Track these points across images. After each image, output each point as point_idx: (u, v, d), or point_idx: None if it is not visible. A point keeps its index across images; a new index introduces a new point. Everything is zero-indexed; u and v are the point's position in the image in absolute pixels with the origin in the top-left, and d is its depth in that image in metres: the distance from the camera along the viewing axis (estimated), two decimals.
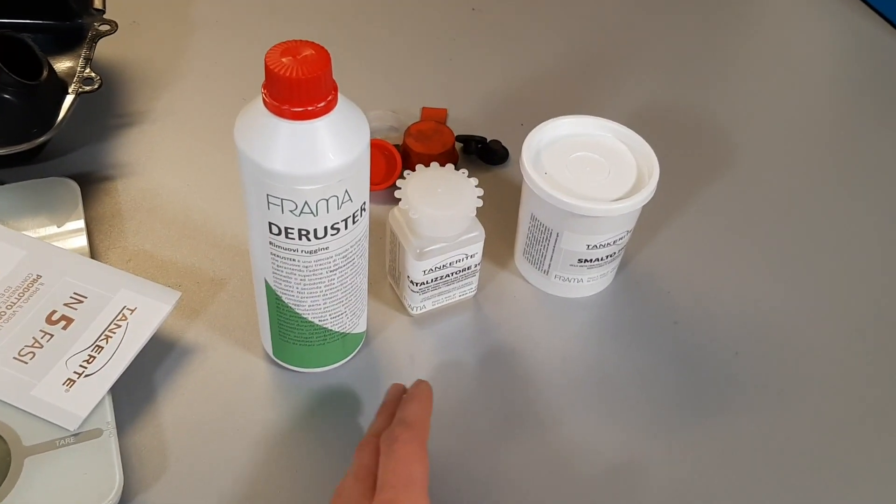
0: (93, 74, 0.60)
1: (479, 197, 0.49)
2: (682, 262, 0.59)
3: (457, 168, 0.59)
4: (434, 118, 0.67)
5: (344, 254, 0.44)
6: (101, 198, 0.59)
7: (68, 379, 0.46)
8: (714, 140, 0.69)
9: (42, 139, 0.57)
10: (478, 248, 0.51)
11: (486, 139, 0.64)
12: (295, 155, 0.39)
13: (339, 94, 0.40)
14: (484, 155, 0.64)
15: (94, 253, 0.56)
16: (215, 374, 0.50)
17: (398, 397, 0.45)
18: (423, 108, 0.68)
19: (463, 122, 0.67)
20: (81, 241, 0.55)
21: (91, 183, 0.60)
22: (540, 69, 0.74)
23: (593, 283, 0.55)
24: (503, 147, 0.64)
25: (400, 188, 0.50)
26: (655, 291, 0.57)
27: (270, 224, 0.42)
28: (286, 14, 0.77)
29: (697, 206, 0.63)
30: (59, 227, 0.56)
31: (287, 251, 0.43)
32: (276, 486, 0.45)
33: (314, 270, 0.44)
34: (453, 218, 0.48)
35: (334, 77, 0.39)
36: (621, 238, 0.53)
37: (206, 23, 0.75)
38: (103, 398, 0.46)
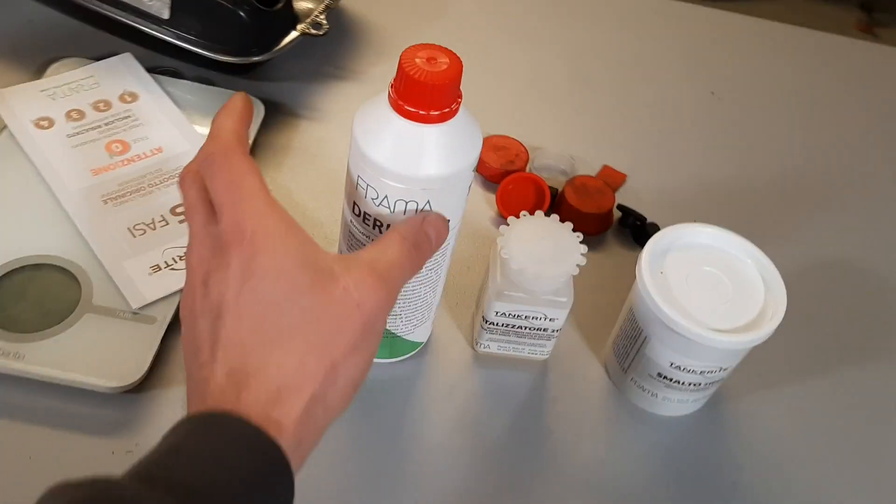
0: (323, 21, 0.64)
1: (580, 262, 0.47)
2: (790, 430, 0.52)
3: (603, 237, 0.56)
4: (608, 179, 0.64)
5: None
6: (280, 128, 0.64)
7: (157, 265, 0.51)
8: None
9: (255, 59, 0.63)
10: (561, 314, 0.49)
11: (645, 219, 0.61)
12: (388, 148, 0.39)
13: (461, 116, 0.40)
14: (637, 233, 0.61)
15: None
16: None
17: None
18: (605, 165, 0.66)
19: (637, 195, 0.64)
20: None
21: (280, 113, 0.65)
22: (755, 175, 0.68)
23: (670, 405, 0.51)
24: (657, 230, 0.60)
25: (507, 225, 0.49)
26: (738, 445, 0.51)
27: (354, 203, 0.43)
28: (528, 41, 0.77)
29: (842, 376, 0.56)
30: None
31: (360, 234, 0.43)
32: None
33: None
34: (542, 274, 0.47)
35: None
36: (713, 372, 0.48)
37: (461, 7, 0.77)
38: (174, 294, 0.50)
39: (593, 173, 0.65)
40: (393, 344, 0.50)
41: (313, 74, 0.69)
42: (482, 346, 0.52)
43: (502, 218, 0.60)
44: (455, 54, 0.39)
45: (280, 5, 0.62)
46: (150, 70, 0.63)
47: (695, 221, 0.61)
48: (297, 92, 0.67)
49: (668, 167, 0.68)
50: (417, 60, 0.38)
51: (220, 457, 0.31)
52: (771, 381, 0.55)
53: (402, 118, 0.39)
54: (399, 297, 0.45)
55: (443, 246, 0.44)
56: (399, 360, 0.52)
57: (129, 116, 0.59)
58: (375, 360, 0.50)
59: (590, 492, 0.48)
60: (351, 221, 0.44)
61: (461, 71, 0.38)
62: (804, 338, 0.57)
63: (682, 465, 0.50)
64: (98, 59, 0.63)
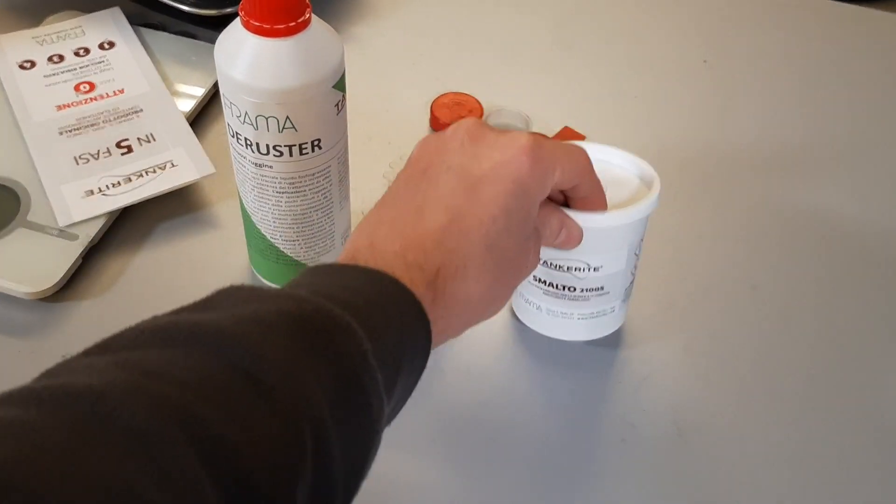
0: None
1: None
2: (693, 380, 0.50)
3: None
4: (563, 139, 0.63)
5: (291, 181, 0.45)
6: None
7: (91, 190, 0.54)
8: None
9: (228, 10, 0.66)
10: None
11: None
12: (239, 62, 0.41)
13: (314, 31, 0.41)
14: None
15: (202, 113, 0.63)
16: (206, 254, 0.55)
17: None
18: (566, 126, 0.64)
19: None
20: (196, 97, 0.62)
21: None
22: (728, 143, 0.65)
23: (554, 322, 0.49)
24: None
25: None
26: (636, 392, 0.49)
27: (228, 124, 0.44)
28: (518, 4, 0.77)
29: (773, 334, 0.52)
30: (191, 82, 0.63)
31: (240, 156, 0.45)
32: None
33: (261, 185, 0.46)
34: None
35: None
36: (581, 268, 0.46)
37: None
38: (100, 217, 0.53)
39: (551, 133, 0.64)
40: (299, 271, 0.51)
41: None
42: None
43: None
44: None
45: None
46: (140, 24, 0.68)
47: None
48: None
49: (633, 131, 0.65)
50: None
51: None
52: (678, 336, 0.52)
53: (251, 34, 0.40)
54: (289, 217, 0.47)
55: (322, 167, 0.45)
56: None
57: (102, 62, 0.63)
58: None
59: (480, 426, 0.47)
60: (232, 145, 0.46)
61: None
62: (732, 299, 0.54)
63: (575, 407, 0.48)
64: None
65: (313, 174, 0.45)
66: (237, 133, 0.44)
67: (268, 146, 0.43)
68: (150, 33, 0.67)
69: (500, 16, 0.75)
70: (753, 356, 0.52)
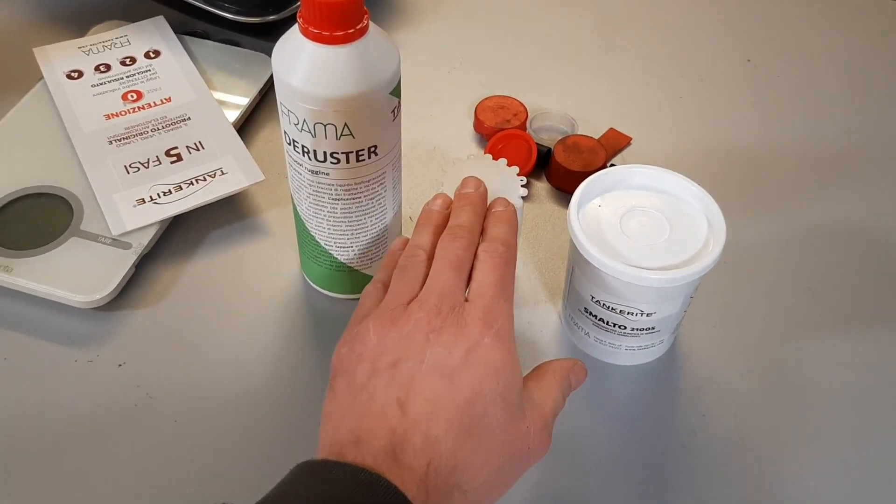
0: None
1: (517, 202, 0.46)
2: (750, 394, 0.49)
3: None
4: (610, 141, 0.62)
5: (347, 187, 0.45)
6: None
7: (142, 199, 0.54)
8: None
9: (271, 18, 0.66)
10: None
11: None
12: (297, 70, 0.41)
13: (371, 39, 0.41)
14: None
15: (248, 121, 0.63)
16: (257, 261, 0.55)
17: (446, 212, 0.45)
18: (611, 128, 0.64)
19: (640, 157, 0.62)
20: (242, 105, 0.62)
21: None
22: (773, 147, 0.64)
23: (604, 349, 0.49)
24: None
25: (453, 162, 0.49)
26: (693, 405, 0.48)
27: (284, 132, 0.44)
28: (563, 5, 0.76)
29: (819, 345, 0.51)
30: (237, 90, 0.64)
31: (296, 163, 0.45)
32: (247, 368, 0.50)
33: (317, 192, 0.46)
34: None
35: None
36: (633, 315, 0.46)
37: None
38: (152, 225, 0.53)
39: (597, 135, 0.63)
40: (353, 277, 0.51)
41: None
42: None
43: None
44: None
45: None
46: (184, 33, 0.68)
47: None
48: None
49: (679, 133, 0.65)
50: None
51: None
52: (735, 344, 0.51)
53: (309, 41, 0.40)
54: (343, 224, 0.47)
55: (378, 174, 0.45)
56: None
57: (149, 70, 0.64)
58: (338, 294, 0.52)
59: None
60: (287, 152, 0.45)
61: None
62: (788, 304, 0.54)
63: (630, 418, 0.48)
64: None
65: (369, 180, 0.45)
66: (294, 141, 0.44)
67: (325, 153, 0.43)
68: (194, 41, 0.67)
69: (542, 18, 0.75)
70: (812, 359, 0.51)
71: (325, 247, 0.49)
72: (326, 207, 0.46)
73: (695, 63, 0.71)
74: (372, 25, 0.42)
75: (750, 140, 0.64)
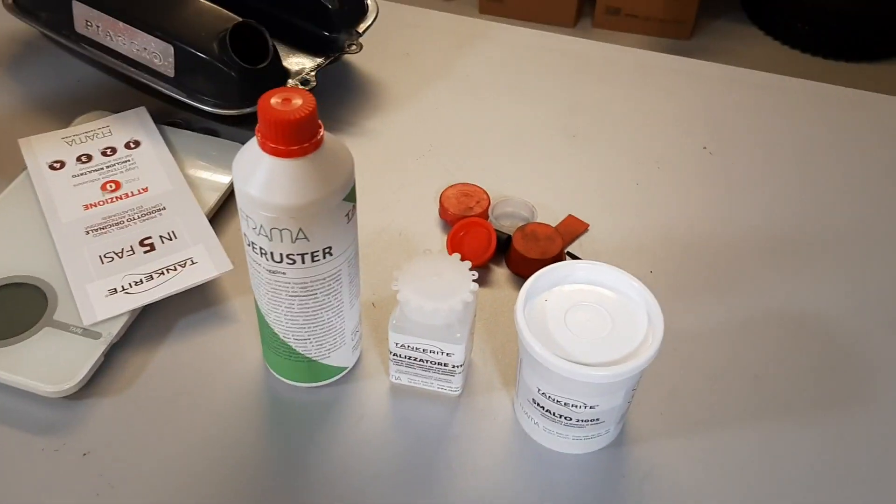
0: (312, 78, 0.71)
1: (466, 299, 0.49)
2: (699, 485, 0.51)
3: None
4: (568, 228, 0.65)
5: (303, 285, 0.47)
6: None
7: (114, 288, 0.57)
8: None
9: (246, 110, 0.69)
10: (457, 349, 0.50)
11: None
12: (255, 180, 0.44)
13: (325, 151, 0.44)
14: None
15: (223, 208, 0.66)
16: (224, 349, 0.57)
17: None
18: (570, 214, 0.67)
19: (596, 244, 0.65)
20: (217, 193, 0.65)
21: None
22: (728, 232, 0.67)
23: (552, 438, 0.51)
24: None
25: (406, 261, 0.51)
26: (638, 495, 0.50)
27: (244, 234, 0.47)
28: (529, 96, 0.80)
29: (776, 433, 0.53)
30: (213, 178, 0.67)
31: (255, 262, 0.48)
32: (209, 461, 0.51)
33: (275, 289, 0.48)
34: (425, 306, 0.49)
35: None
36: (578, 407, 0.48)
37: (461, 77, 0.81)
38: (123, 315, 0.56)
39: (556, 222, 0.66)
40: (312, 368, 0.53)
41: None
42: (393, 377, 0.54)
43: None
44: (309, 95, 0.43)
45: (265, 64, 0.68)
46: (165, 122, 0.72)
47: (650, 272, 0.62)
48: None
49: (635, 219, 0.68)
50: (273, 102, 0.42)
51: None
52: (682, 431, 0.53)
53: (265, 154, 0.43)
54: (300, 318, 0.49)
55: (333, 272, 0.48)
56: (323, 385, 0.55)
57: (128, 160, 0.67)
58: (298, 383, 0.55)
59: None
60: (247, 252, 0.48)
61: (313, 110, 0.42)
62: (734, 391, 0.56)
63: (580, 500, 0.50)
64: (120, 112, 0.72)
65: (324, 278, 0.48)
66: (253, 242, 0.46)
67: (282, 255, 0.46)
68: (173, 131, 0.70)
69: (508, 107, 0.78)
70: (757, 447, 0.53)
71: (284, 339, 0.51)
72: (284, 303, 0.49)
73: (652, 151, 0.74)
74: (327, 136, 0.45)
75: (704, 227, 0.67)
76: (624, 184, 0.71)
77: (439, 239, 0.65)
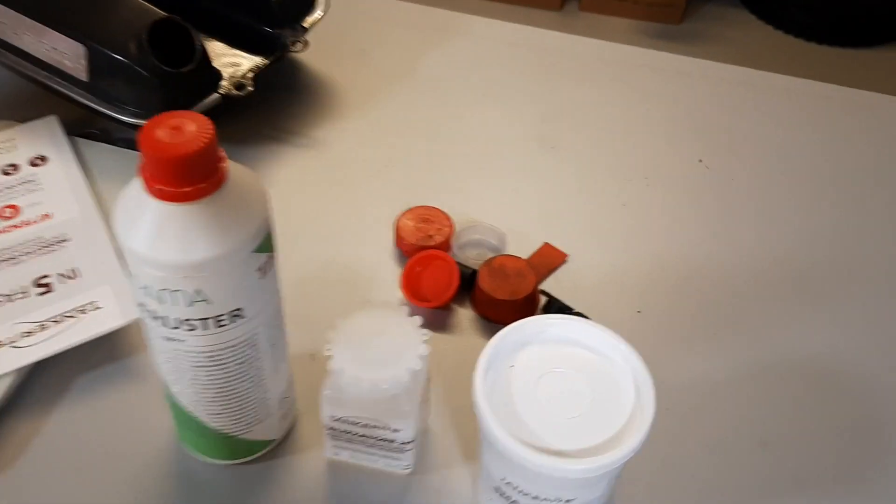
0: (246, 82, 0.61)
1: (414, 367, 0.40)
2: None
3: None
4: (543, 259, 0.56)
5: (209, 355, 0.38)
6: None
7: (0, 342, 0.48)
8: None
9: None
10: (406, 425, 0.42)
11: (570, 309, 0.52)
12: (139, 231, 0.34)
13: (229, 190, 0.35)
14: None
15: None
16: (130, 413, 0.48)
17: None
18: (546, 243, 0.58)
19: (576, 279, 0.55)
20: None
21: None
22: (729, 262, 0.58)
23: None
24: None
25: (342, 319, 0.42)
26: None
27: (135, 291, 0.38)
28: (502, 100, 0.71)
29: None
30: None
31: (150, 326, 0.39)
32: None
33: (175, 358, 0.39)
34: (362, 376, 0.40)
35: None
36: (550, 500, 0.39)
37: (426, 78, 0.72)
38: (8, 375, 0.46)
39: (529, 252, 0.57)
40: (228, 444, 0.44)
41: (249, 136, 0.65)
42: (331, 452, 0.45)
43: (411, 304, 0.53)
44: (207, 120, 0.34)
45: (191, 67, 0.59)
46: (79, 133, 0.62)
47: (638, 313, 0.53)
48: (228, 154, 0.64)
49: (622, 248, 0.58)
50: (158, 132, 0.33)
51: None
52: None
53: (152, 198, 0.34)
54: (210, 391, 0.40)
55: (247, 336, 0.38)
56: (248, 461, 0.46)
57: (32, 181, 0.57)
58: (215, 460, 0.46)
59: None
60: (141, 314, 0.39)
61: (211, 140, 0.33)
62: (737, 461, 0.47)
63: None
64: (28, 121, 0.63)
65: (235, 346, 0.39)
66: (142, 303, 0.37)
67: (178, 320, 0.37)
68: (87, 144, 0.61)
69: (476, 115, 0.68)
70: None
71: (192, 413, 0.42)
72: (187, 375, 0.40)
73: (640, 164, 0.65)
74: (234, 170, 0.36)
75: (700, 256, 0.58)
76: (609, 205, 0.61)
77: (393, 273, 0.56)
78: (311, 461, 0.46)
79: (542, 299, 0.53)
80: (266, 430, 0.45)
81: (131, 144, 0.62)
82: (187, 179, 0.33)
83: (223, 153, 0.35)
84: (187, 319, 0.37)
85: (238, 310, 0.37)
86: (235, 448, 0.44)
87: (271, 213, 0.37)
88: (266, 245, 0.37)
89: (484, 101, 0.70)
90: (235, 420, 0.42)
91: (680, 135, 0.67)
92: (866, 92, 0.72)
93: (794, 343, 0.53)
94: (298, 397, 0.48)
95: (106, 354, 0.50)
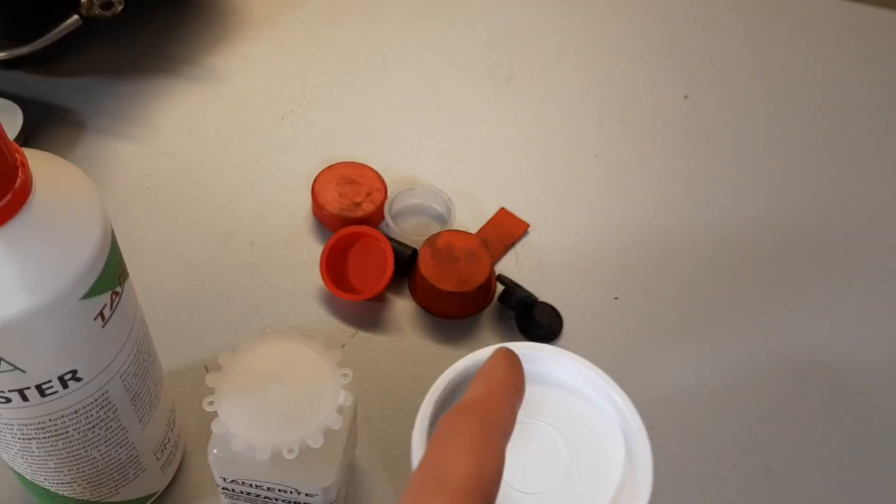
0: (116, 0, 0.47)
1: (336, 421, 0.29)
2: None
3: (476, 322, 0.39)
4: (499, 232, 0.45)
5: (39, 426, 0.27)
6: (56, 141, 0.47)
7: None
8: None
9: (22, 50, 0.46)
10: (318, 489, 0.31)
11: (535, 300, 0.42)
12: None
13: (31, 213, 0.22)
14: (522, 320, 0.42)
15: None
16: None
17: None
18: (502, 208, 0.47)
19: (540, 258, 0.45)
20: None
21: (62, 121, 0.48)
22: (727, 227, 0.48)
23: None
24: (556, 319, 0.42)
25: (227, 357, 0.30)
26: None
27: None
28: (446, 16, 0.58)
29: None
30: None
31: None
32: None
33: None
34: (259, 444, 0.29)
35: None
36: None
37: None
38: None
39: (484, 220, 0.46)
40: None
41: (121, 67, 0.51)
42: None
43: (334, 296, 0.42)
44: None
45: None
46: None
47: (615, 299, 0.43)
48: (93, 91, 0.50)
49: (595, 212, 0.47)
50: None
51: None
52: None
53: None
54: (51, 461, 0.29)
55: (92, 400, 0.27)
56: None
57: None
58: None
59: None
60: None
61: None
62: (736, 487, 0.38)
63: None
64: None
65: (76, 412, 0.27)
66: None
67: None
68: None
69: (413, 35, 0.55)
70: None
71: (34, 481, 0.31)
72: (15, 446, 0.28)
73: (615, 101, 0.53)
74: (43, 177, 0.23)
75: (688, 222, 0.47)
76: (578, 157, 0.50)
77: (310, 250, 0.44)
78: None
79: (499, 287, 0.43)
80: (142, 486, 0.34)
81: None
82: None
83: (21, 154, 0.23)
84: None
85: (71, 372, 0.26)
86: None
87: (109, 232, 0.25)
88: (106, 282, 0.25)
89: (422, 16, 0.57)
90: (95, 487, 0.31)
91: (661, 63, 0.55)
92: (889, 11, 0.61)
93: (809, 337, 0.43)
94: (190, 427, 0.37)
95: None
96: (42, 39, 0.46)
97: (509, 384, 0.25)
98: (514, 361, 0.26)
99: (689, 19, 0.58)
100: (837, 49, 0.57)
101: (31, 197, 0.23)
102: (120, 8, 0.47)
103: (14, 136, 0.46)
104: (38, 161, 0.24)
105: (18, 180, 0.22)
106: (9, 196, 0.22)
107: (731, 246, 0.46)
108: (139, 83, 0.51)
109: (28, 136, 0.47)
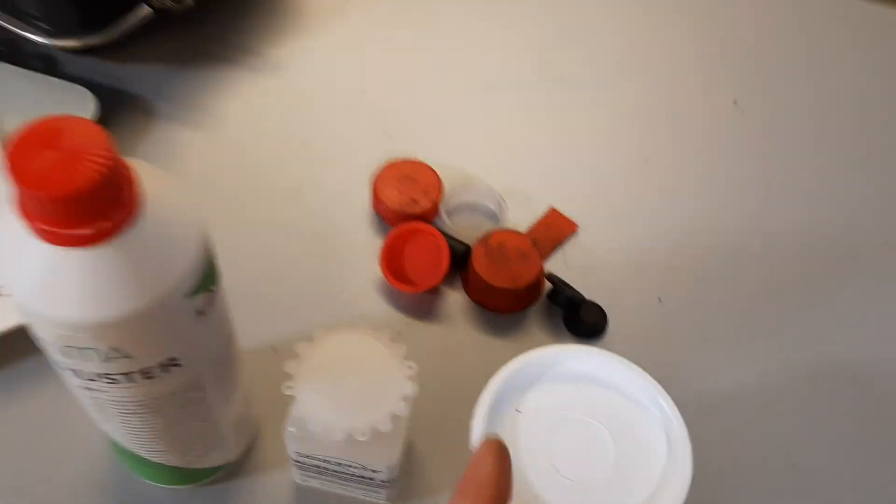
0: None
1: (398, 411, 0.32)
2: None
3: (524, 317, 0.41)
4: (548, 232, 0.47)
5: (140, 403, 0.30)
6: (132, 128, 0.50)
7: None
8: None
9: (92, 42, 0.49)
10: (384, 465, 0.34)
11: (583, 298, 0.44)
12: (26, 279, 0.25)
13: (144, 224, 0.25)
14: (570, 318, 0.44)
15: None
16: (59, 425, 0.40)
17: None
18: (552, 208, 0.49)
19: (587, 258, 0.47)
20: None
21: (135, 108, 0.51)
22: (781, 233, 0.50)
23: None
24: (601, 318, 0.44)
25: (307, 346, 0.33)
26: None
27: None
28: (500, 14, 0.59)
29: None
30: None
31: (60, 373, 0.30)
32: None
33: (99, 405, 0.31)
34: (335, 426, 0.32)
35: None
36: None
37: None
38: None
39: (534, 218, 0.48)
40: (174, 472, 0.37)
41: (189, 57, 0.54)
42: (299, 479, 0.38)
43: (392, 287, 0.45)
44: (98, 129, 0.24)
45: None
46: None
47: (659, 301, 0.46)
48: (163, 79, 0.52)
49: (643, 215, 0.50)
50: (32, 154, 0.23)
51: None
52: None
53: (37, 238, 0.24)
54: (145, 433, 0.32)
55: (187, 383, 0.30)
56: (204, 484, 0.39)
57: None
58: (160, 485, 0.38)
59: None
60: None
61: (114, 165, 0.23)
62: (763, 483, 0.41)
63: None
64: None
65: (173, 393, 0.30)
66: (53, 361, 0.28)
67: (93, 374, 0.28)
68: None
69: (469, 34, 0.57)
70: None
71: (129, 447, 0.34)
72: (115, 419, 0.31)
73: (665, 105, 0.55)
74: (153, 190, 0.26)
75: (736, 226, 0.49)
76: (628, 159, 0.52)
77: (371, 243, 0.47)
78: (277, 484, 0.39)
79: (547, 285, 0.45)
80: (222, 455, 0.37)
81: (49, 65, 0.51)
82: (83, 219, 0.24)
83: (132, 171, 0.25)
84: (106, 374, 0.28)
85: (172, 359, 0.29)
86: (184, 475, 0.37)
87: (209, 238, 0.28)
88: (206, 282, 0.28)
89: (478, 15, 0.58)
90: (180, 455, 0.35)
91: (712, 68, 0.57)
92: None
93: (849, 346, 0.45)
94: (260, 404, 0.40)
95: (27, 346, 0.41)
96: (114, 29, 0.49)
97: (492, 486, 0.27)
98: (499, 457, 0.27)
99: (739, 24, 0.59)
100: (889, 56, 0.58)
101: (142, 209, 0.25)
102: (190, 2, 0.49)
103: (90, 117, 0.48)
104: (146, 174, 0.26)
105: (132, 196, 0.25)
106: (124, 210, 0.24)
107: (775, 252, 0.48)
108: (207, 73, 0.53)
109: (101, 124, 0.50)
